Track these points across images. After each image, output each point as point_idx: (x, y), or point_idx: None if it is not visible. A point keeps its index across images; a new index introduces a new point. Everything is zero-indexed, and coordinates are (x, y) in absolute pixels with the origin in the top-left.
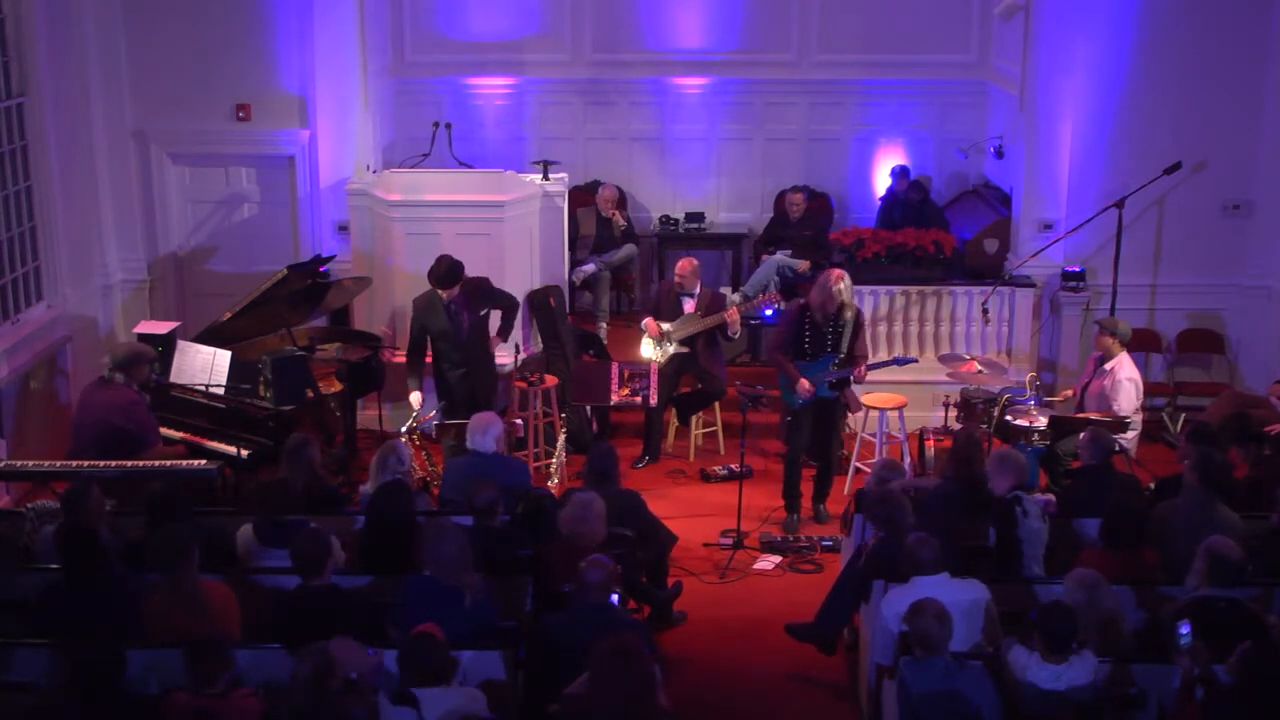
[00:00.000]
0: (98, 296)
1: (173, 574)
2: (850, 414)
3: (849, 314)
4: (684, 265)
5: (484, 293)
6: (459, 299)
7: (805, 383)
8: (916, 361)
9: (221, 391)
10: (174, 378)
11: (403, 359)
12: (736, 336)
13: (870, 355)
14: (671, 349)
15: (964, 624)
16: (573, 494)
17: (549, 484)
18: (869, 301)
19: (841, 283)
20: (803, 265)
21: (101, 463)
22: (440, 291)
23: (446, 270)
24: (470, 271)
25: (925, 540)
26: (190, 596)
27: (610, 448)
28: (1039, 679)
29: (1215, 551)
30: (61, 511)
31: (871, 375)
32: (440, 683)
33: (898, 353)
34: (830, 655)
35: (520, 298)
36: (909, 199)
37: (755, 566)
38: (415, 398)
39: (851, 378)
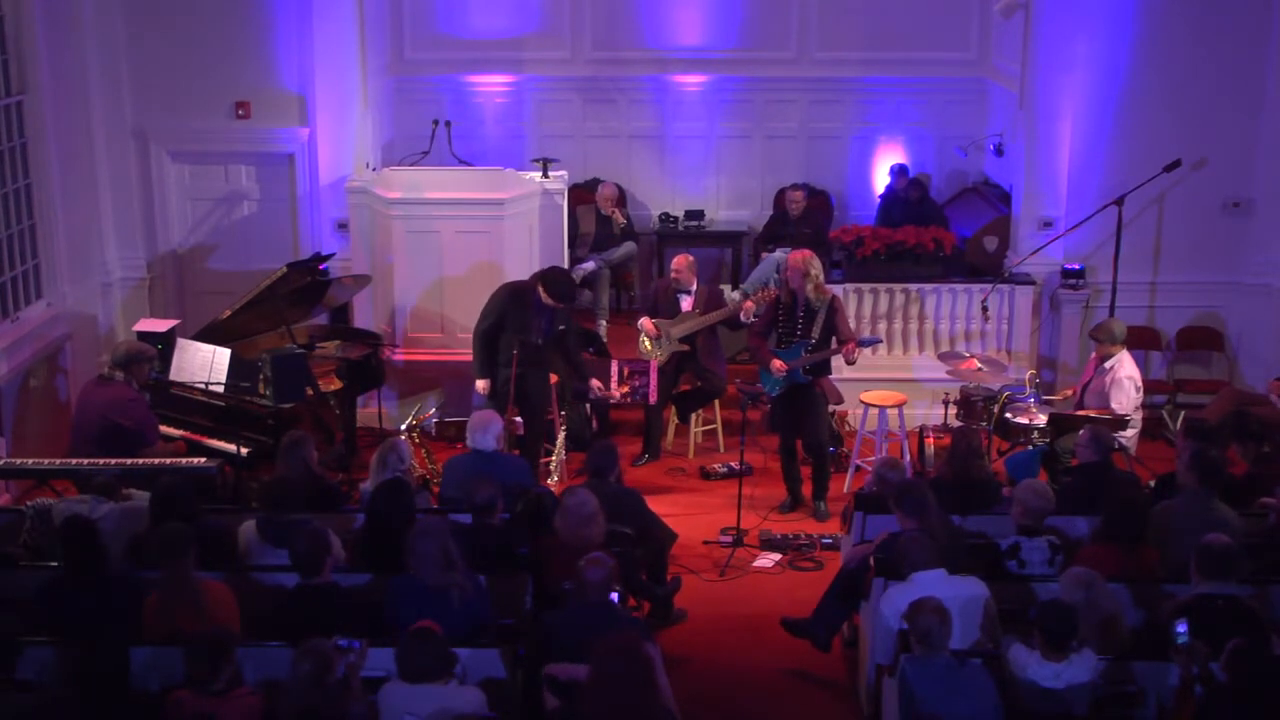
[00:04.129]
0: (97, 294)
1: (170, 571)
2: (831, 405)
3: (819, 300)
4: (679, 262)
5: (568, 314)
6: (550, 307)
7: (778, 361)
8: (881, 341)
9: (221, 389)
10: (174, 375)
11: (402, 357)
12: (749, 320)
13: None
14: (671, 347)
15: (963, 621)
16: (566, 495)
17: (549, 481)
18: (869, 299)
19: (804, 261)
20: None
21: (101, 460)
22: (546, 298)
23: (569, 288)
24: (471, 270)
25: (918, 537)
26: (188, 594)
27: (610, 444)
28: (1039, 677)
29: (1204, 546)
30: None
31: (870, 373)
32: (438, 679)
33: (897, 352)
34: (825, 653)
35: None
36: (908, 197)
37: (755, 564)
38: (482, 385)
39: (829, 363)
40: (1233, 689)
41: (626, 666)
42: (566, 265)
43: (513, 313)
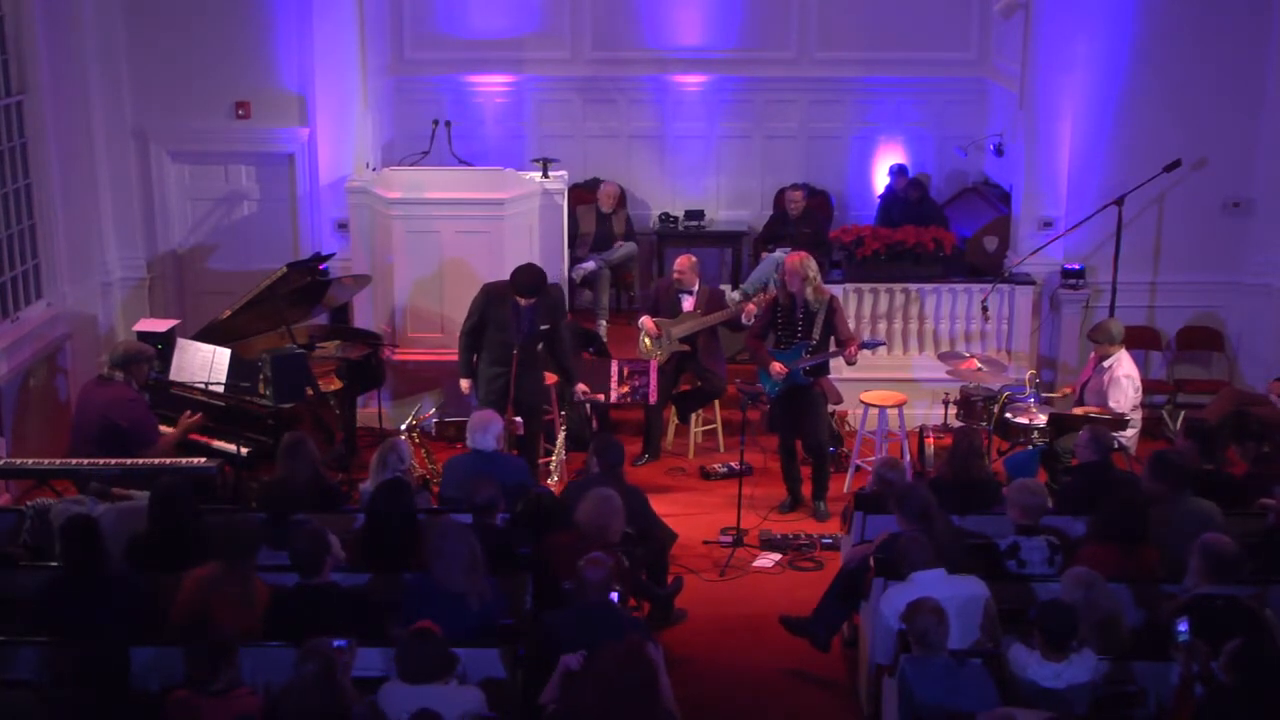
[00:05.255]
0: (97, 294)
1: (233, 566)
2: (831, 405)
3: (818, 300)
4: (682, 262)
5: (556, 309)
6: (530, 305)
7: (777, 364)
8: (884, 344)
9: (221, 389)
10: (173, 375)
11: (402, 357)
12: (750, 322)
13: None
14: (671, 347)
15: (962, 621)
16: (589, 488)
17: (549, 482)
18: (869, 299)
19: (801, 263)
20: None
21: (101, 460)
22: (515, 295)
23: (533, 281)
24: (471, 270)
25: (918, 537)
26: (242, 590)
27: (619, 442)
28: (1039, 677)
29: (1210, 548)
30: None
31: (870, 373)
32: (438, 679)
33: (897, 352)
34: (825, 653)
35: None
36: (908, 197)
37: (755, 564)
38: (465, 385)
39: (829, 363)
40: (1233, 688)
41: (630, 672)
42: (566, 265)
43: (492, 312)
